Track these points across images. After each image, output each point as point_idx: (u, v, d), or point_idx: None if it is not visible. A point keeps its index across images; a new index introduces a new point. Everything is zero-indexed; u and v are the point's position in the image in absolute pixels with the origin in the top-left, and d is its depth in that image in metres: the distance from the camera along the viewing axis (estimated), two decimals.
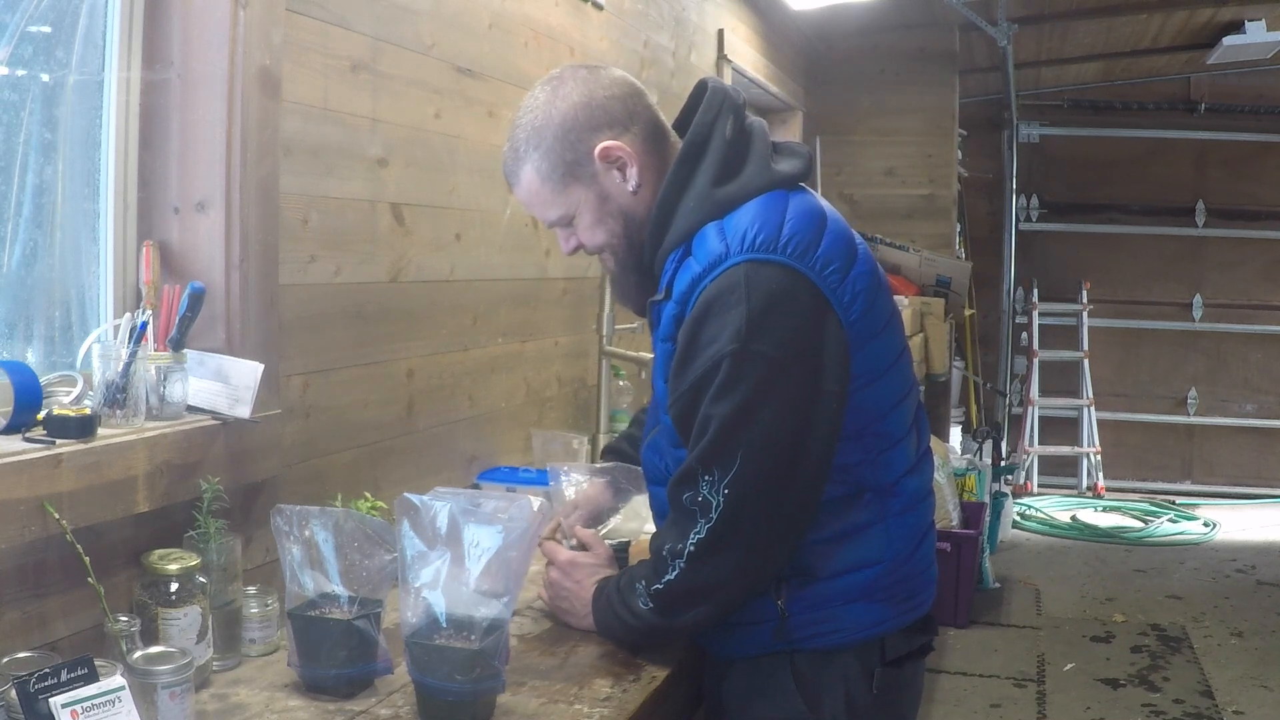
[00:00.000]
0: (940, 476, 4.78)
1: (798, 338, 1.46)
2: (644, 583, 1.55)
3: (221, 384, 1.62)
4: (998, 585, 5.39)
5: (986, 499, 5.54)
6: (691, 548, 1.49)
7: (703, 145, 1.55)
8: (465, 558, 1.38)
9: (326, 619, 1.47)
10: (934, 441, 1.79)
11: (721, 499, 1.47)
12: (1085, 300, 7.42)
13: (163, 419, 1.55)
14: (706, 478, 1.47)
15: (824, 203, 1.60)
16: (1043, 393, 7.46)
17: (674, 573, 1.52)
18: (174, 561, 1.45)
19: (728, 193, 1.53)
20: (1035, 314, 7.44)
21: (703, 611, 1.54)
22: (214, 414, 1.61)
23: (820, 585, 1.55)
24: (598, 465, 1.98)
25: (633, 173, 1.57)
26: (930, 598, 1.67)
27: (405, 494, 1.42)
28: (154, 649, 1.34)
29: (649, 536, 1.74)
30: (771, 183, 1.54)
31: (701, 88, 1.60)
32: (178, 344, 1.57)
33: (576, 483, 1.91)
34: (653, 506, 1.76)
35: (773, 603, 1.56)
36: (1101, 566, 5.85)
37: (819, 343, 1.47)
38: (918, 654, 1.67)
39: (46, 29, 1.58)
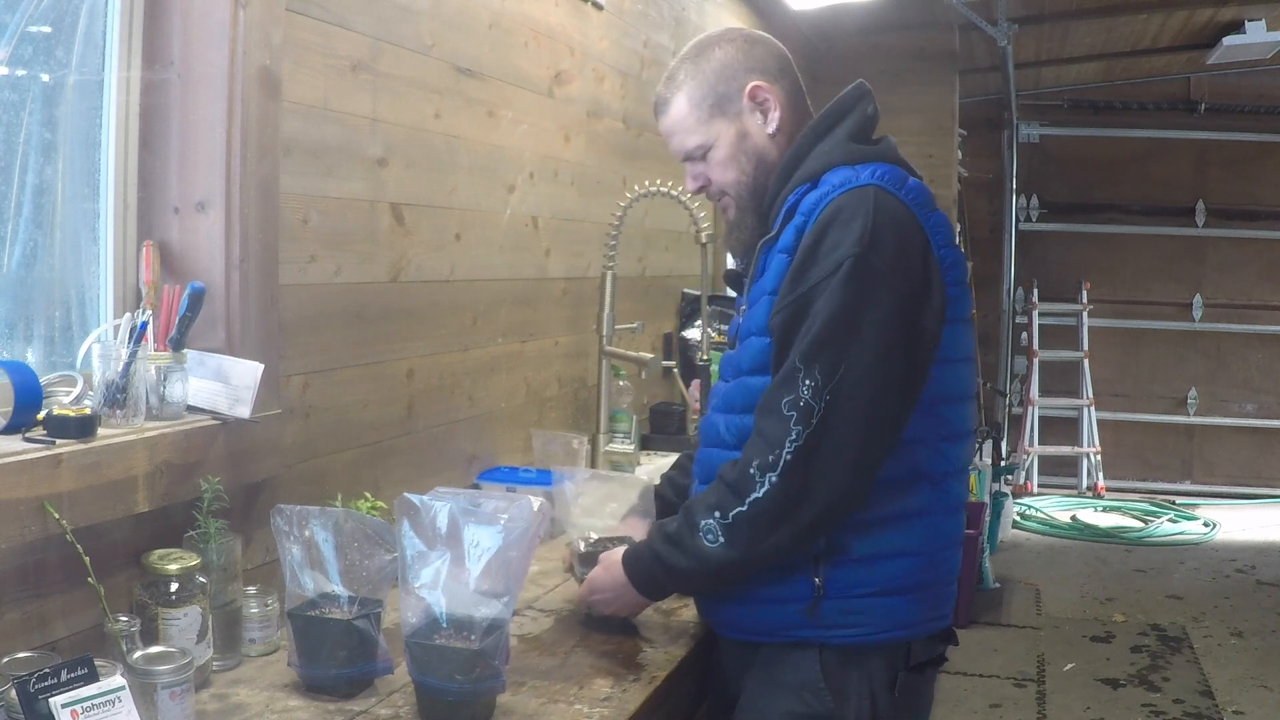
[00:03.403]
0: None
1: (910, 264, 1.54)
2: (717, 515, 1.54)
3: (221, 384, 1.62)
4: (998, 585, 5.39)
5: (986, 499, 5.54)
6: (789, 455, 1.50)
7: (847, 110, 1.69)
8: (465, 558, 1.39)
9: (326, 619, 1.47)
10: None
11: (823, 405, 1.49)
12: (1085, 300, 7.42)
13: (163, 419, 1.55)
14: (808, 381, 1.49)
15: None
16: (1043, 393, 7.46)
17: (763, 488, 1.51)
18: (174, 561, 1.45)
19: (861, 149, 1.64)
20: (1035, 314, 7.44)
21: (784, 536, 1.52)
22: (214, 414, 1.61)
23: (858, 568, 1.56)
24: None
25: (774, 116, 1.70)
26: (950, 613, 1.70)
27: (405, 494, 1.42)
28: (154, 649, 1.34)
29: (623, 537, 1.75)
30: (897, 161, 1.65)
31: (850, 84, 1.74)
32: (178, 344, 1.57)
33: (579, 487, 1.90)
34: (698, 473, 1.75)
35: (809, 579, 1.56)
36: (1101, 566, 5.85)
37: (926, 277, 1.55)
38: (936, 662, 1.70)
39: (46, 29, 1.58)
